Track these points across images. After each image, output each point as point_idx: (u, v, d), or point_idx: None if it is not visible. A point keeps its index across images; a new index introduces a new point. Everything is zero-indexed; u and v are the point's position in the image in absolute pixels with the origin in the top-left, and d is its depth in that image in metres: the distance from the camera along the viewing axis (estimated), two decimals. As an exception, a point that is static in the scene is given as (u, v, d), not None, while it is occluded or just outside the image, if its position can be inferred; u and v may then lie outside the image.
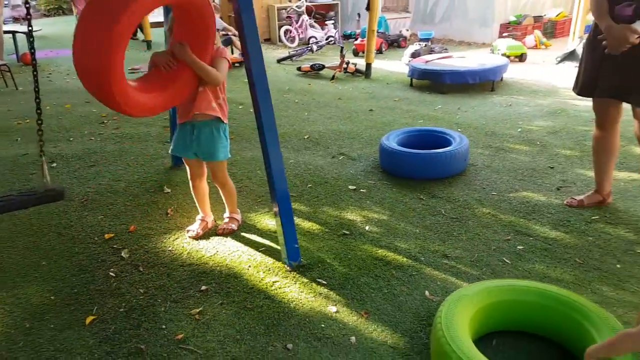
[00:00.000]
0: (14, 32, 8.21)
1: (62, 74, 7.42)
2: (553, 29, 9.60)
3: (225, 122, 2.53)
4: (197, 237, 2.68)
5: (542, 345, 1.87)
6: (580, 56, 2.82)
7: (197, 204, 2.76)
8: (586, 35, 2.90)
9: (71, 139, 4.37)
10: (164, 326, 2.00)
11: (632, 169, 3.42)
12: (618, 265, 2.35)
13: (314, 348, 1.87)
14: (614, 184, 3.09)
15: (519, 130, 4.39)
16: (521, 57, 7.50)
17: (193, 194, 2.74)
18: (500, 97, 5.58)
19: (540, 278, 2.25)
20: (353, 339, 1.91)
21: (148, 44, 9.58)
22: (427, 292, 2.18)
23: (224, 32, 6.96)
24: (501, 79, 6.12)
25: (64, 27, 13.50)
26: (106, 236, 2.72)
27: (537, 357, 1.84)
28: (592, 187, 3.00)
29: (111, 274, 2.38)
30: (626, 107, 2.65)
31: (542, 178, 3.36)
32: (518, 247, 2.53)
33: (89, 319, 2.06)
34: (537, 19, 9.33)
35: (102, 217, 2.94)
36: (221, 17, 7.77)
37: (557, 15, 9.56)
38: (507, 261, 2.41)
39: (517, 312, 1.88)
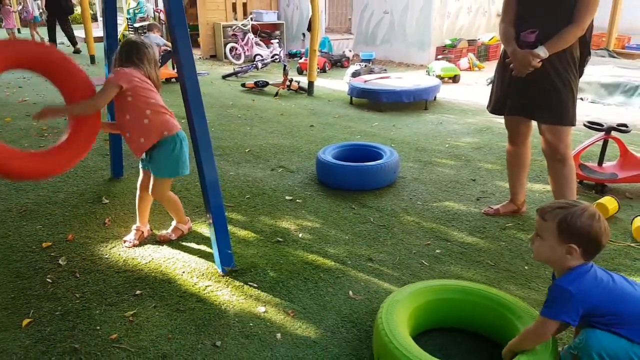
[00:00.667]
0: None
1: (2, 87, 7.21)
2: (486, 52, 10.30)
3: (166, 134, 2.58)
4: (134, 246, 2.77)
5: (474, 342, 2.05)
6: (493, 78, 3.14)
7: (137, 212, 2.85)
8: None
9: (7, 151, 4.30)
10: (98, 327, 2.09)
11: (546, 181, 3.81)
12: (526, 267, 2.62)
13: (242, 344, 2.02)
14: (530, 195, 3.44)
15: (447, 145, 4.76)
16: (454, 79, 8.04)
17: (137, 202, 2.83)
18: (432, 115, 5.99)
19: (454, 278, 2.49)
20: (279, 335, 2.07)
21: (92, 58, 9.46)
22: (350, 292, 2.38)
23: (164, 48, 7.03)
24: (434, 99, 6.56)
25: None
26: (44, 245, 2.75)
27: (471, 352, 2.02)
28: (508, 197, 3.30)
29: (48, 280, 2.42)
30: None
31: (464, 189, 3.68)
32: (436, 251, 2.79)
33: (25, 322, 2.11)
34: (471, 42, 10.00)
35: (40, 227, 2.96)
36: (162, 35, 7.82)
37: (489, 40, 10.27)
38: (426, 263, 2.66)
39: (447, 310, 2.04)
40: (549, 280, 2.41)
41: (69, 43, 12.25)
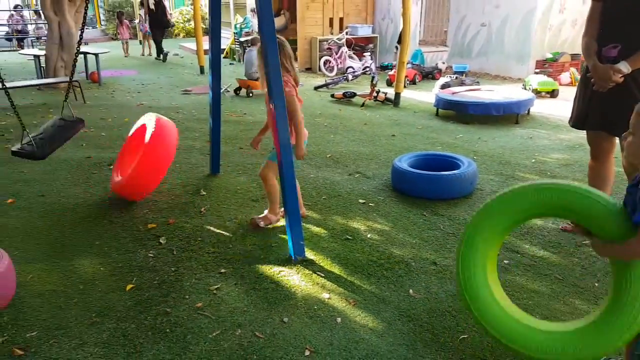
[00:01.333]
0: (85, 53, 9.22)
1: (124, 92, 8.28)
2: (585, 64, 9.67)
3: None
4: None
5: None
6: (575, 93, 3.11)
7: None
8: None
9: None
10: (187, 296, 2.45)
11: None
12: (596, 284, 2.58)
13: (305, 323, 2.25)
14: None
15: (533, 161, 4.64)
16: (552, 93, 7.69)
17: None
18: (523, 129, 5.83)
19: (517, 289, 2.53)
20: (339, 319, 2.28)
21: (201, 69, 10.43)
22: (411, 291, 2.52)
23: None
24: (528, 113, 6.36)
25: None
26: (149, 226, 3.23)
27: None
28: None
29: (150, 254, 2.87)
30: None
31: (542, 204, 3.61)
32: (504, 261, 2.82)
33: (128, 287, 2.54)
34: (575, 57, 9.46)
35: (147, 211, 3.47)
36: None
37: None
38: (490, 271, 2.71)
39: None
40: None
41: (182, 54, 13.63)
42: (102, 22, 21.09)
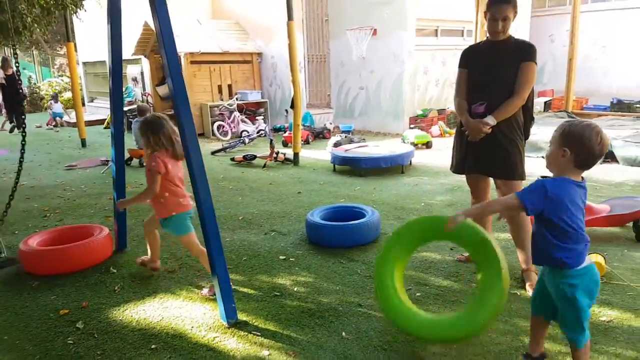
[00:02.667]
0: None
1: (-1, 172, 7.57)
2: (455, 120, 11.12)
3: (172, 214, 3.18)
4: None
5: None
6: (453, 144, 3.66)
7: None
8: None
9: (16, 232, 4.60)
10: (120, 378, 2.33)
11: (507, 229, 4.23)
12: (495, 304, 2.99)
13: (251, 382, 2.28)
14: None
15: (422, 204, 5.20)
16: (427, 145, 8.69)
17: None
18: (408, 178, 6.49)
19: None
20: (283, 373, 2.35)
21: (82, 142, 9.95)
22: (343, 333, 2.68)
23: None
24: (410, 163, 7.11)
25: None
26: (61, 312, 3.01)
27: None
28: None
29: (69, 341, 2.67)
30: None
31: (439, 242, 4.06)
32: (417, 294, 3.13)
33: (51, 379, 2.34)
34: (441, 111, 10.84)
35: (54, 297, 3.22)
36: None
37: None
38: (408, 306, 2.98)
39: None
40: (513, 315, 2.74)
41: (57, 128, 12.98)
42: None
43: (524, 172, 3.26)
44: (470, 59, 3.36)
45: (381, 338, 2.62)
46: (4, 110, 12.94)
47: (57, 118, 13.75)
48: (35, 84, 20.16)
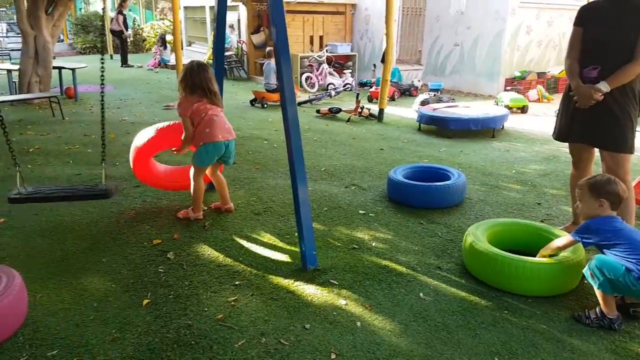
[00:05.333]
0: (60, 68, 9.06)
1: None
2: (556, 85, 10.24)
3: (200, 144, 3.44)
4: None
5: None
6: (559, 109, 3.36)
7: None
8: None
9: (117, 163, 4.98)
10: (206, 309, 2.48)
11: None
12: (585, 282, 2.74)
13: (327, 328, 2.33)
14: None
15: (514, 171, 4.89)
16: (523, 109, 8.09)
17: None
18: (499, 143, 6.12)
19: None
20: (359, 323, 2.37)
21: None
22: (421, 294, 2.64)
23: None
24: (502, 128, 6.68)
25: (99, 64, 14.57)
26: (154, 242, 3.24)
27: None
28: (571, 219, 3.46)
29: (160, 270, 2.88)
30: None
31: (529, 212, 3.83)
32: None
33: (144, 302, 2.55)
34: (541, 75, 10.00)
35: (148, 227, 3.47)
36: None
37: (559, 73, 10.19)
38: (491, 275, 2.86)
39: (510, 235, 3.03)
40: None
41: (157, 69, 13.74)
42: (70, 36, 20.70)
43: (633, 145, 2.98)
44: (588, 16, 3.04)
45: (460, 303, 2.55)
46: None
47: (163, 64, 14.33)
48: (138, 25, 21.22)
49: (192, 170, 3.54)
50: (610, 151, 2.99)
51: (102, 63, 3.20)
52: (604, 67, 2.87)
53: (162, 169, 4.01)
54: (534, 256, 2.73)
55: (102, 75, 3.21)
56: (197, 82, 3.33)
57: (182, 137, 3.46)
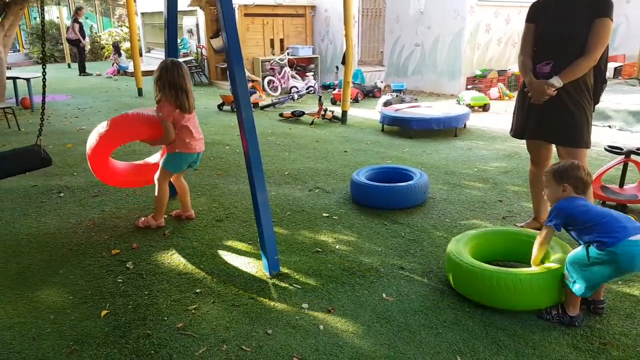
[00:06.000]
0: (14, 78, 8.74)
1: (61, 117, 7.92)
2: (516, 82, 10.45)
3: (175, 151, 3.41)
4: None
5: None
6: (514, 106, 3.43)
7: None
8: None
9: (75, 173, 4.82)
10: (166, 318, 2.43)
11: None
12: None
13: (289, 333, 2.31)
14: (549, 213, 3.65)
15: (475, 170, 5.00)
16: (484, 107, 8.28)
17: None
18: (462, 142, 6.24)
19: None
20: (321, 326, 2.36)
21: (139, 91, 10.20)
22: (384, 295, 2.66)
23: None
24: (464, 126, 6.82)
25: (56, 73, 14.15)
26: (113, 252, 3.15)
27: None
28: (532, 216, 3.53)
29: (119, 280, 2.81)
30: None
31: (491, 209, 3.91)
32: (463, 262, 3.04)
33: (103, 313, 2.47)
34: (501, 72, 10.25)
35: (107, 237, 3.38)
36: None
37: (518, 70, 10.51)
38: (452, 272, 2.91)
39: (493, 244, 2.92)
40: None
41: (116, 77, 13.39)
42: (25, 46, 19.99)
43: (589, 140, 3.02)
44: (539, 12, 3.08)
45: (422, 303, 2.58)
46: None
47: (122, 71, 14.13)
48: (96, 33, 20.71)
49: (158, 175, 3.47)
50: (566, 146, 3.01)
51: (44, 68, 3.22)
52: (556, 62, 2.90)
53: (122, 165, 3.81)
54: (518, 263, 2.82)
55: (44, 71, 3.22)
56: (173, 81, 3.25)
57: (162, 139, 3.37)
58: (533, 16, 3.10)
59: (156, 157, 3.84)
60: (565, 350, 2.21)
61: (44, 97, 3.17)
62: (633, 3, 11.06)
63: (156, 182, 3.47)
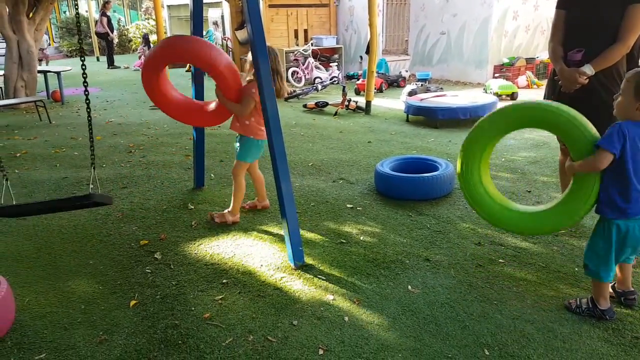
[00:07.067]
0: (45, 72, 8.97)
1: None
2: (545, 70, 10.21)
3: (251, 137, 3.36)
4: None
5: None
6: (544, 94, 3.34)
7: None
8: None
9: (104, 165, 4.93)
10: (193, 308, 2.47)
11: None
12: (576, 269, 2.77)
13: (314, 324, 2.32)
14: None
15: (503, 159, 4.89)
16: (512, 96, 8.08)
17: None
18: (488, 131, 6.10)
19: (506, 278, 2.70)
20: (346, 318, 2.36)
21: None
22: (409, 287, 2.64)
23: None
24: (491, 115, 6.67)
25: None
26: (141, 242, 3.22)
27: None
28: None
29: (147, 270, 2.86)
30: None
31: (519, 200, 3.83)
32: (490, 254, 2.99)
33: (132, 303, 2.53)
34: (530, 60, 9.98)
35: (136, 228, 3.45)
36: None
37: (548, 58, 10.21)
38: (480, 264, 2.86)
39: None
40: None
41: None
42: (55, 40, 20.48)
43: None
44: None
45: (448, 295, 2.55)
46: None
47: None
48: (123, 26, 21.03)
49: (235, 167, 3.45)
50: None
51: (84, 68, 2.68)
52: (588, 49, 2.82)
53: (176, 93, 3.53)
54: None
55: (85, 82, 2.69)
56: (272, 66, 3.21)
57: (239, 107, 3.26)
58: (564, 2, 3.01)
59: (212, 105, 3.55)
60: (597, 344, 2.15)
61: (91, 135, 2.64)
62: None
63: (234, 175, 3.45)
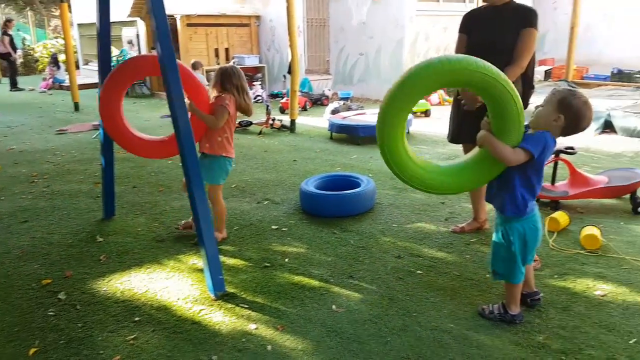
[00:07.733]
0: None
1: (-12, 137, 7.40)
2: (455, 88, 10.88)
3: (222, 155, 3.30)
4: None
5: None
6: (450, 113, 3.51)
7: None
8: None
9: (2, 197, 4.48)
10: (102, 351, 2.26)
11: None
12: (487, 276, 2.87)
13: (236, 357, 2.20)
14: (491, 213, 3.73)
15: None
16: (426, 113, 8.49)
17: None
18: (407, 146, 6.33)
19: (424, 289, 2.76)
20: (269, 347, 2.27)
21: (75, 105, 9.72)
22: (334, 306, 2.60)
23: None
24: (408, 132, 6.93)
25: (-15, 90, 13.29)
26: (43, 282, 2.92)
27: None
28: (472, 215, 3.62)
29: (50, 313, 2.59)
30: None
31: (434, 211, 3.97)
32: (409, 266, 3.04)
33: (32, 351, 2.27)
34: (442, 78, 10.56)
35: (38, 266, 3.13)
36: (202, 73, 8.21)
37: (458, 75, 10.87)
38: (400, 277, 2.90)
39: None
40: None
41: (50, 91, 12.82)
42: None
43: None
44: (471, 22, 3.23)
45: (371, 311, 2.54)
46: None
47: (57, 84, 13.44)
48: (29, 45, 19.61)
49: (210, 194, 3.31)
50: None
51: None
52: None
53: (132, 129, 3.50)
54: None
55: None
56: (238, 84, 3.28)
57: (212, 120, 3.20)
58: (465, 27, 3.25)
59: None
60: (509, 347, 2.24)
61: None
62: (560, 10, 11.73)
63: (212, 201, 3.33)
